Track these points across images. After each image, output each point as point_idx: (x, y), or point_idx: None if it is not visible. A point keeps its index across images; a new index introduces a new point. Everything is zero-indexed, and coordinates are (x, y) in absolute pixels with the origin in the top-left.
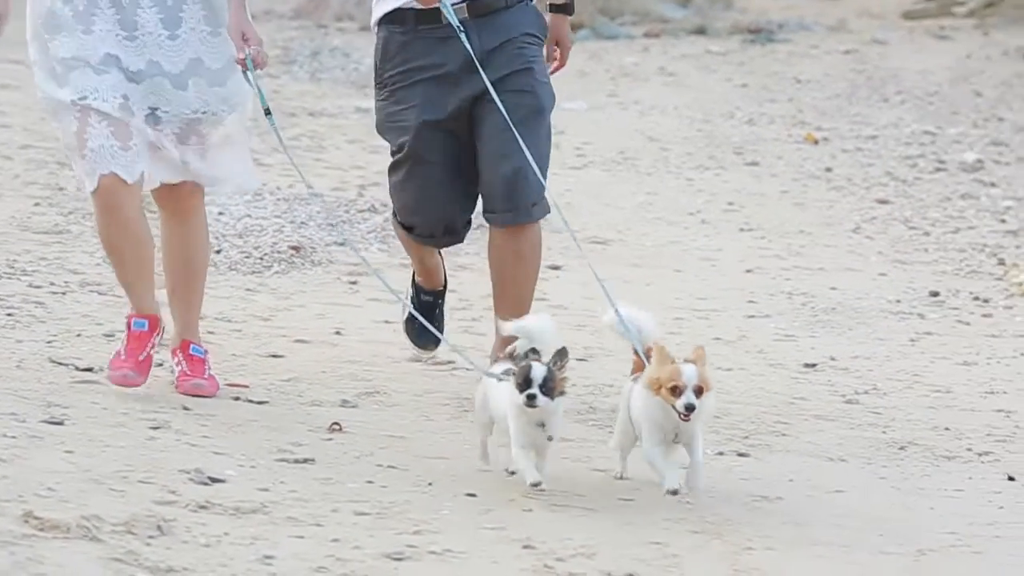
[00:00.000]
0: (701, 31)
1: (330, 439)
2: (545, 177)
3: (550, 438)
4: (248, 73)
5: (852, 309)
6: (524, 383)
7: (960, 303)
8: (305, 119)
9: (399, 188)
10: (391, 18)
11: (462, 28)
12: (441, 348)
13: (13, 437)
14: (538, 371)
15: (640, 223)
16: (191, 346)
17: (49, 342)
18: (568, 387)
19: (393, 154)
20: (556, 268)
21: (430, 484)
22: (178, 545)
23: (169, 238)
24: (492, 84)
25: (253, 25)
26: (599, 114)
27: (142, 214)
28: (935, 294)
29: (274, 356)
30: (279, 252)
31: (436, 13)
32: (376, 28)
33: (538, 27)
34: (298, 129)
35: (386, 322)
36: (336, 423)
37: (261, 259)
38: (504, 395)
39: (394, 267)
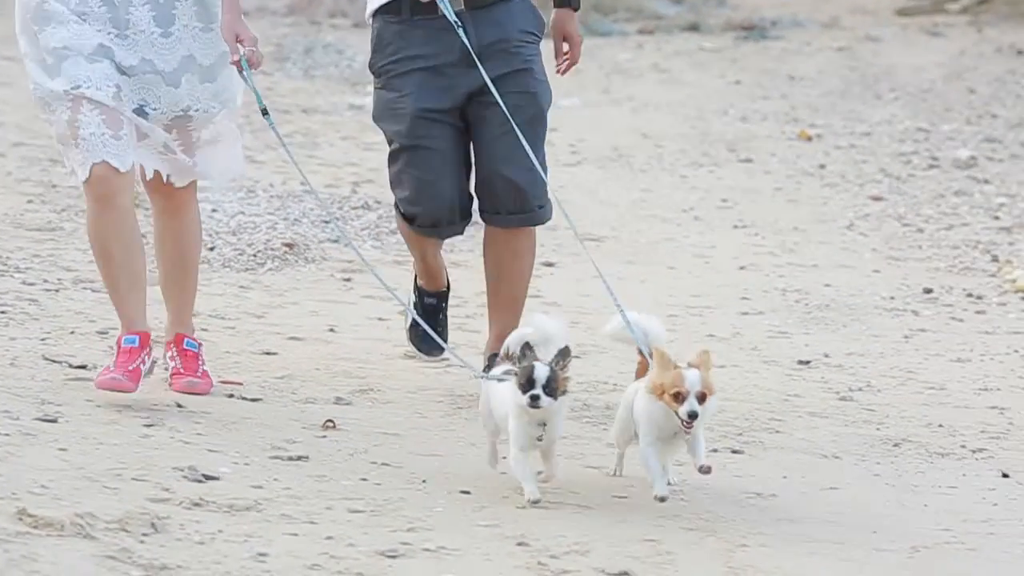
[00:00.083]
0: (694, 28)
1: (324, 436)
2: (546, 175)
3: (540, 438)
4: (244, 73)
5: (846, 306)
6: (527, 383)
7: (954, 300)
8: (298, 116)
9: (399, 178)
10: (386, 8)
11: (460, 23)
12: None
13: (6, 435)
14: (541, 371)
15: (634, 220)
16: (185, 340)
17: (43, 339)
18: (569, 386)
19: (390, 143)
20: (550, 265)
21: (424, 481)
22: (172, 543)
23: (162, 232)
24: (489, 85)
25: (247, 25)
26: (593, 111)
27: (134, 212)
28: (929, 291)
29: (268, 353)
30: (272, 249)
31: (432, 4)
32: (371, 20)
33: (536, 24)
34: (292, 126)
35: (379, 319)
36: (330, 420)
37: (254, 256)
38: (506, 396)
39: (388, 264)
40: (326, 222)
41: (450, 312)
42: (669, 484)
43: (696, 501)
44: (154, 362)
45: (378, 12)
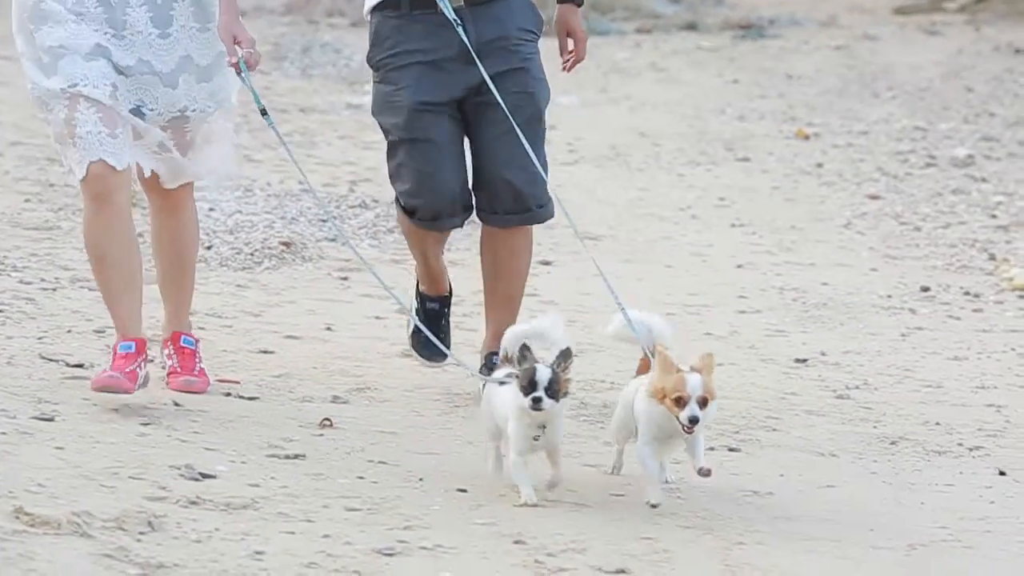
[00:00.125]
0: (692, 27)
1: (321, 435)
2: (547, 173)
3: (537, 439)
4: (243, 75)
5: (843, 304)
6: (529, 386)
7: (951, 298)
8: (296, 115)
9: (398, 171)
10: (385, 4)
11: (459, 21)
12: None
13: (3, 433)
14: (543, 373)
15: (631, 219)
16: (182, 337)
17: (40, 338)
18: (571, 388)
19: (388, 135)
20: (547, 264)
21: (421, 480)
22: (169, 541)
23: (159, 231)
24: (488, 82)
25: (244, 26)
26: (591, 110)
27: (130, 212)
28: (926, 289)
29: (265, 352)
30: (270, 248)
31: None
32: (369, 16)
33: (534, 22)
34: (289, 125)
35: (377, 318)
36: (327, 419)
37: (252, 255)
38: (507, 398)
39: (385, 262)
40: (324, 221)
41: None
42: (667, 482)
43: (693, 499)
44: (147, 375)
45: (376, 8)
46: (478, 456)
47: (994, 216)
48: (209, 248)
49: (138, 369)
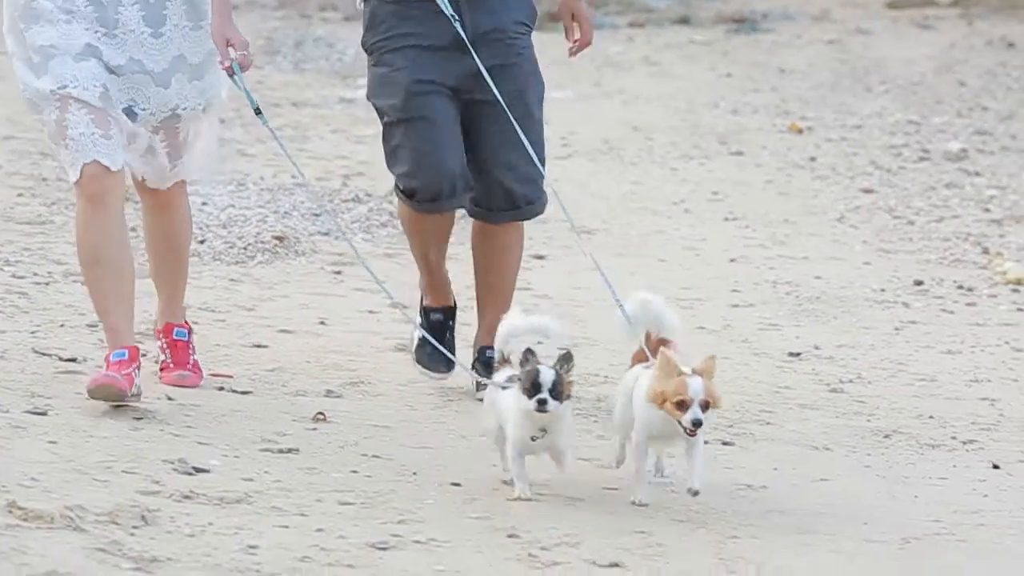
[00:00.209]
0: (685, 21)
1: (314, 429)
2: (544, 167)
3: (534, 439)
4: (236, 78)
5: (836, 298)
6: (533, 388)
7: (944, 292)
8: (289, 109)
9: (395, 153)
10: None
11: (456, 17)
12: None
13: None
14: (547, 375)
15: (625, 212)
16: (174, 330)
17: (32, 333)
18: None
19: (385, 116)
20: (540, 258)
21: (414, 474)
22: (162, 535)
23: (152, 228)
24: (483, 72)
25: (237, 28)
26: (584, 104)
27: (124, 214)
28: (919, 283)
29: (258, 346)
30: (263, 242)
31: None
32: (362, 4)
33: (529, 15)
34: (282, 120)
35: (370, 312)
36: (320, 413)
37: (245, 249)
38: (510, 400)
39: (378, 256)
40: (317, 215)
41: None
42: (663, 477)
43: (686, 493)
44: (140, 387)
45: None
46: (472, 450)
47: (987, 210)
48: (202, 242)
49: (133, 374)
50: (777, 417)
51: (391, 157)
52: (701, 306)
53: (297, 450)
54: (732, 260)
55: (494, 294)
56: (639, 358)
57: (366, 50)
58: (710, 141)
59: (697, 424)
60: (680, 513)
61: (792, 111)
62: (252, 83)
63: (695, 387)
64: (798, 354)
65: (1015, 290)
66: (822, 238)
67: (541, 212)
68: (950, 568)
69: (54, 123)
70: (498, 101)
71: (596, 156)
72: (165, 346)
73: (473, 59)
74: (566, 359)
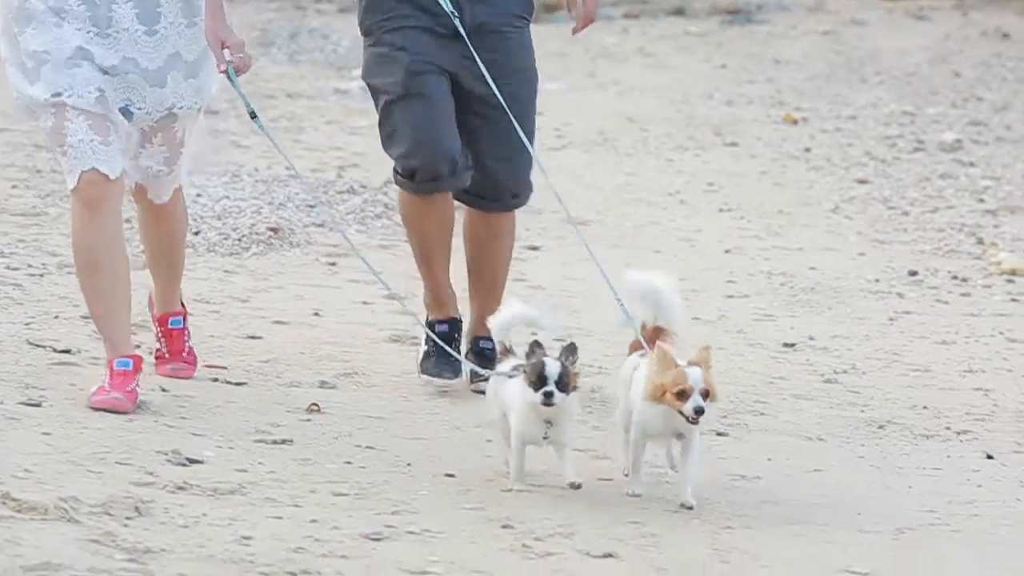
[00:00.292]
0: (680, 12)
1: (308, 420)
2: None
3: (546, 437)
4: (232, 81)
5: (831, 289)
6: (539, 380)
7: (939, 282)
8: (283, 101)
9: (393, 134)
10: None
11: (456, 13)
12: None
13: None
14: (552, 367)
15: (620, 204)
16: (169, 319)
17: (27, 324)
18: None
19: (383, 95)
20: (534, 248)
21: (408, 465)
22: (156, 526)
23: (148, 225)
24: (480, 66)
25: (231, 29)
26: (578, 95)
27: (121, 220)
28: (914, 273)
29: (252, 337)
30: (257, 233)
31: None
32: None
33: (526, 8)
34: (277, 111)
35: (364, 303)
36: (314, 404)
37: (239, 240)
38: (515, 392)
39: (373, 248)
40: (311, 206)
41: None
42: (673, 470)
43: (680, 484)
44: (138, 396)
45: None
46: (466, 441)
47: (982, 200)
48: (197, 234)
49: (136, 388)
50: (771, 407)
51: (389, 139)
52: (696, 297)
53: (291, 441)
54: (727, 251)
55: (486, 284)
56: (636, 347)
57: (364, 31)
58: (705, 132)
59: (699, 412)
60: (674, 504)
61: (787, 102)
62: (246, 75)
63: (694, 376)
64: (792, 345)
65: (1009, 280)
66: (817, 229)
67: (525, 202)
68: (944, 558)
69: (51, 129)
70: (493, 93)
71: (591, 147)
72: (160, 335)
73: (470, 50)
74: (571, 350)
